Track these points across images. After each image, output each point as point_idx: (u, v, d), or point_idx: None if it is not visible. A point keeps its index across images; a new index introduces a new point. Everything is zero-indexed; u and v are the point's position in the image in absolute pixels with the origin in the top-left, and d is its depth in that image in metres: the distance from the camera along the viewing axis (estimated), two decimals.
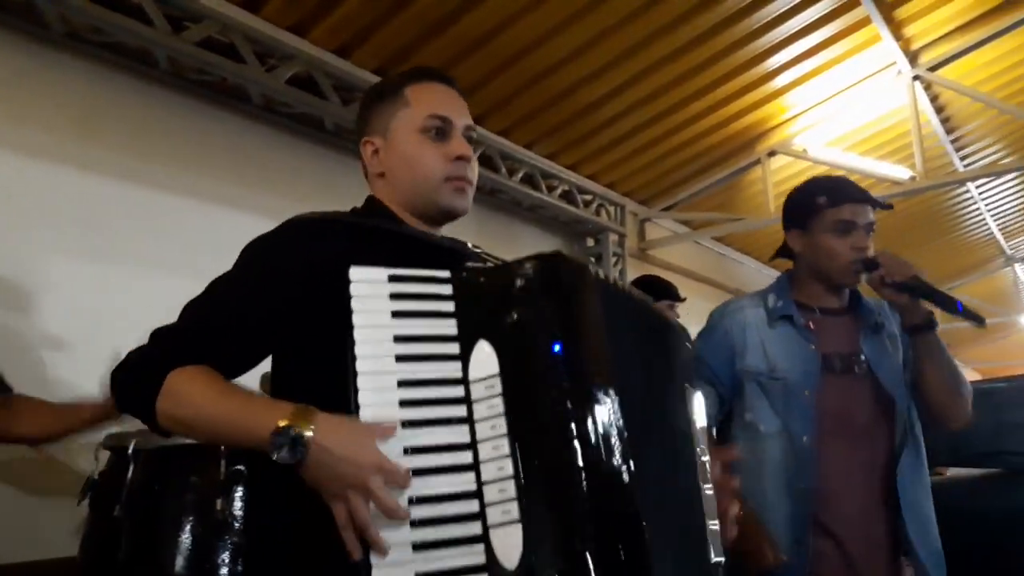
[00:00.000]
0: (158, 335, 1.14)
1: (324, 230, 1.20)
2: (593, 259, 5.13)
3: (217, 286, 1.18)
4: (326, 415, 0.98)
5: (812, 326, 1.94)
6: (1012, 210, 8.26)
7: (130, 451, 1.85)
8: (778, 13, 4.02)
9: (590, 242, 5.19)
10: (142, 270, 2.76)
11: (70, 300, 2.55)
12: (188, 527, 1.81)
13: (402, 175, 1.27)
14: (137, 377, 1.10)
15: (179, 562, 1.79)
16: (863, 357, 1.93)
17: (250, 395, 1.09)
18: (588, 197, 4.97)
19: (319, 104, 3.22)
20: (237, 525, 1.82)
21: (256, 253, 1.20)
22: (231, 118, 3.16)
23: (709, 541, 1.18)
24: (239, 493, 1.82)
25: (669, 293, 3.64)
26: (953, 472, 4.17)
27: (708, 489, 1.23)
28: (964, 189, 7.14)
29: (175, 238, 2.87)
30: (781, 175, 5.68)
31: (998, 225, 8.46)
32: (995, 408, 3.44)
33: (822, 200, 1.94)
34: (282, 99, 3.13)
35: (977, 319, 1.84)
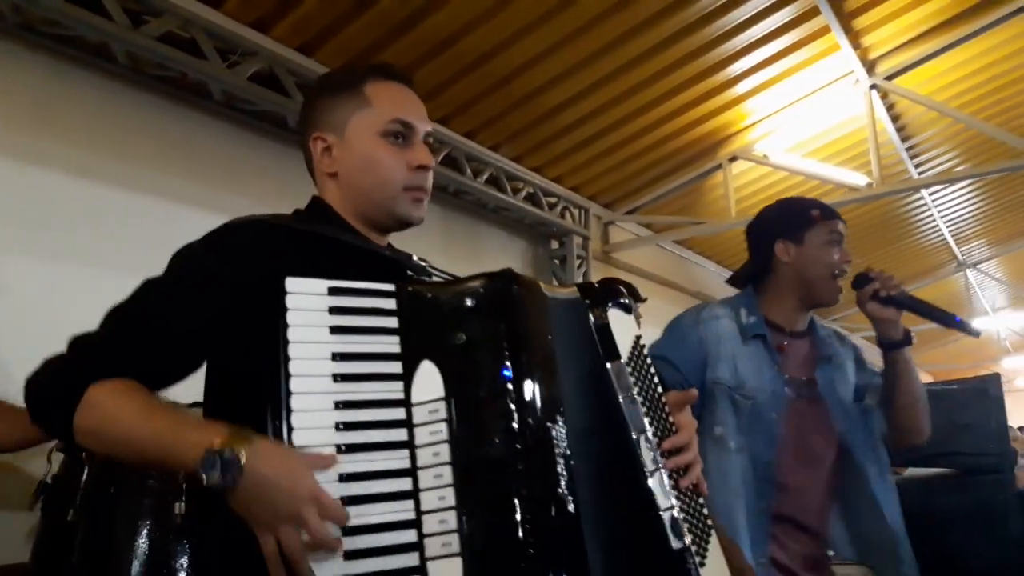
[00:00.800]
0: (78, 343, 1.05)
1: (260, 236, 1.13)
2: (557, 261, 5.15)
3: (143, 293, 1.10)
4: (263, 440, 0.91)
5: (781, 348, 1.94)
6: (964, 217, 8.48)
7: (84, 453, 1.80)
8: (740, 21, 4.08)
9: (554, 244, 5.20)
10: (98, 269, 2.70)
11: (23, 301, 2.48)
12: (145, 532, 1.76)
13: (358, 179, 1.20)
14: (54, 387, 1.02)
15: (135, 568, 1.74)
16: (817, 384, 1.95)
17: (180, 414, 1.00)
18: (553, 200, 4.99)
19: (282, 101, 3.18)
20: (196, 529, 1.79)
21: (186, 260, 1.13)
22: (191, 115, 3.11)
23: (668, 531, 1.08)
24: (197, 497, 1.78)
25: (633, 295, 3.65)
26: (909, 472, 4.26)
27: (661, 472, 1.11)
28: (918, 196, 7.30)
29: (133, 237, 2.81)
30: (742, 180, 5.77)
31: (951, 231, 8.67)
32: (947, 410, 3.53)
33: (816, 212, 1.97)
34: (244, 96, 3.08)
35: (972, 331, 1.91)
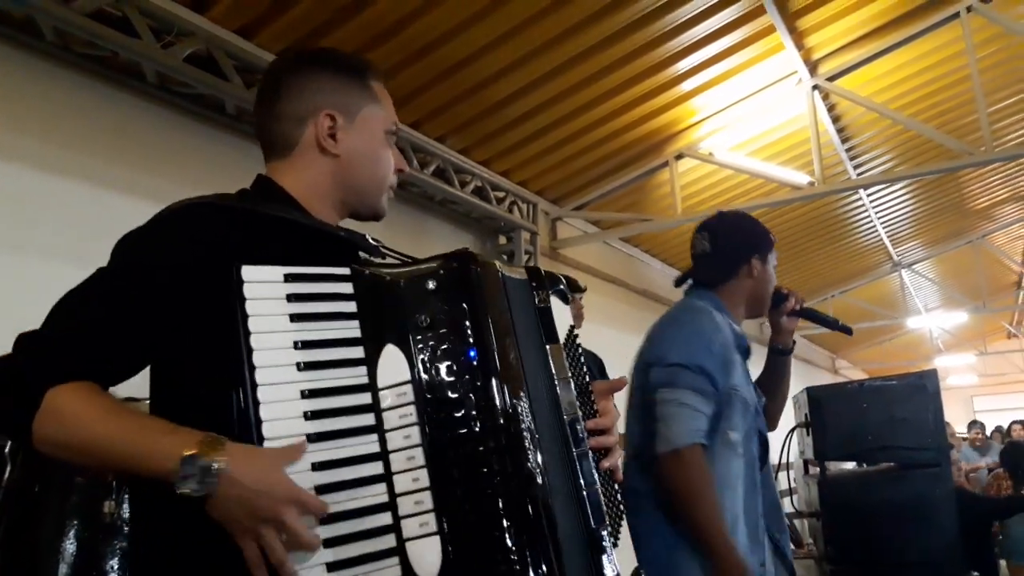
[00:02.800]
0: (26, 344, 0.99)
1: (207, 219, 1.07)
2: (505, 256, 5.10)
3: (89, 287, 1.05)
4: (236, 444, 0.90)
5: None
6: (900, 218, 8.73)
7: (7, 449, 1.71)
8: (686, 18, 4.10)
9: (502, 240, 5.17)
10: (22, 257, 2.56)
11: None
12: (72, 532, 1.68)
13: (358, 169, 1.20)
14: (9, 392, 0.97)
15: (63, 570, 1.66)
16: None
17: (147, 418, 0.98)
18: (501, 194, 4.94)
19: (220, 85, 3.06)
20: (127, 529, 1.70)
21: (130, 249, 1.07)
22: (123, 96, 2.97)
23: (590, 509, 1.11)
24: (129, 495, 1.69)
25: (572, 286, 3.67)
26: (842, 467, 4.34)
27: (588, 452, 1.16)
28: (856, 197, 7.49)
29: (59, 223, 2.67)
30: (688, 178, 5.82)
31: (887, 232, 8.92)
32: (886, 405, 3.60)
33: (773, 237, 2.16)
34: (180, 78, 2.96)
35: (846, 330, 2.35)
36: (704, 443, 1.80)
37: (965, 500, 4.83)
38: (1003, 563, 5.40)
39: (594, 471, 1.14)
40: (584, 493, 1.10)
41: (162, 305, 1.02)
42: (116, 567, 1.64)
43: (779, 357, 2.22)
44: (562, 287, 1.24)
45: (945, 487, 3.48)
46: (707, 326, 1.95)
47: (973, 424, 9.26)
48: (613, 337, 6.37)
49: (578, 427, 1.14)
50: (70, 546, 1.65)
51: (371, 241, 1.21)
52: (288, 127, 1.19)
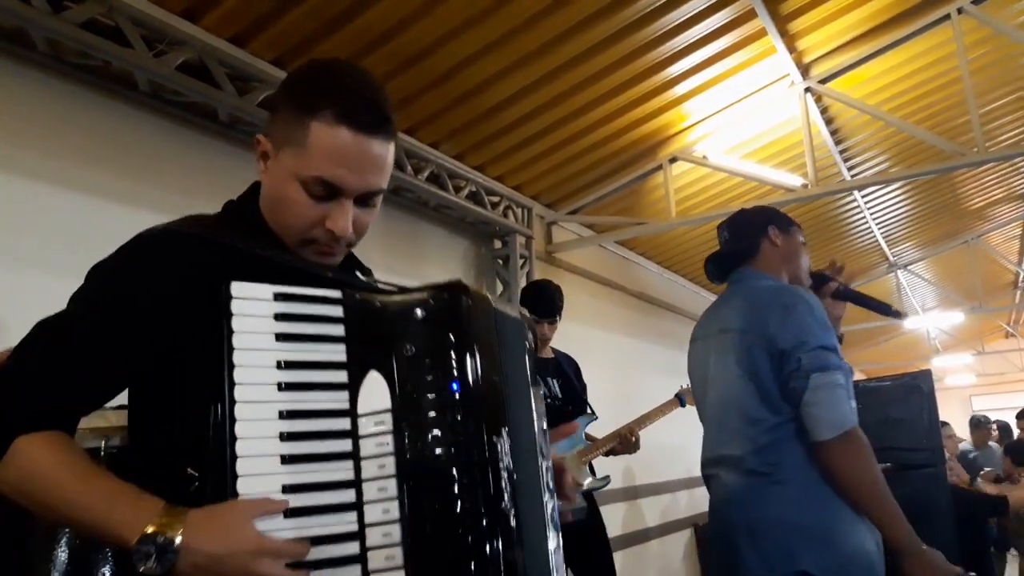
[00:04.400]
0: None
1: (184, 247, 1.05)
2: (500, 261, 5.11)
3: (63, 320, 1.02)
4: (199, 511, 0.89)
5: None
6: (895, 219, 8.75)
7: None
8: (678, 22, 4.11)
9: (497, 244, 5.17)
10: (14, 267, 2.56)
11: None
12: (64, 540, 1.68)
13: (272, 202, 1.12)
14: None
15: None
16: None
17: (115, 484, 0.95)
18: (495, 199, 4.95)
19: (213, 93, 3.07)
20: None
21: (103, 278, 1.05)
22: (115, 105, 2.97)
23: (549, 523, 1.14)
24: None
25: (557, 308, 3.66)
26: None
27: (549, 499, 1.18)
28: (851, 198, 7.50)
29: (48, 232, 2.67)
30: (682, 181, 5.83)
31: (882, 233, 8.93)
32: (881, 406, 3.61)
33: (794, 222, 2.24)
34: (172, 86, 2.96)
35: (897, 314, 2.30)
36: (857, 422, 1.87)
37: (959, 498, 4.84)
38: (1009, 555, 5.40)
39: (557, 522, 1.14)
40: (554, 545, 1.11)
41: (140, 335, 1.01)
42: (107, 574, 1.64)
43: None
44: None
45: (941, 487, 3.50)
46: (816, 305, 2.00)
47: (979, 423, 8.73)
48: (608, 340, 6.38)
49: (547, 475, 1.15)
50: (62, 554, 1.65)
51: (361, 278, 1.18)
52: None
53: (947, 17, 4.86)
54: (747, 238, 2.22)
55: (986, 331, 16.21)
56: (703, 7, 4.06)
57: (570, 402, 3.70)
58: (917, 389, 3.58)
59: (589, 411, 3.76)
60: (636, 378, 6.43)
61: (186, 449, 0.97)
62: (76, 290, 1.06)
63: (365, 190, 1.09)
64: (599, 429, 3.85)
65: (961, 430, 9.24)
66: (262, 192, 1.16)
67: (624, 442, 3.81)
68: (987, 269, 11.84)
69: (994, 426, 8.91)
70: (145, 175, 3.01)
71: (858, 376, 14.79)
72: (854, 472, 1.82)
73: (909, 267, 11.13)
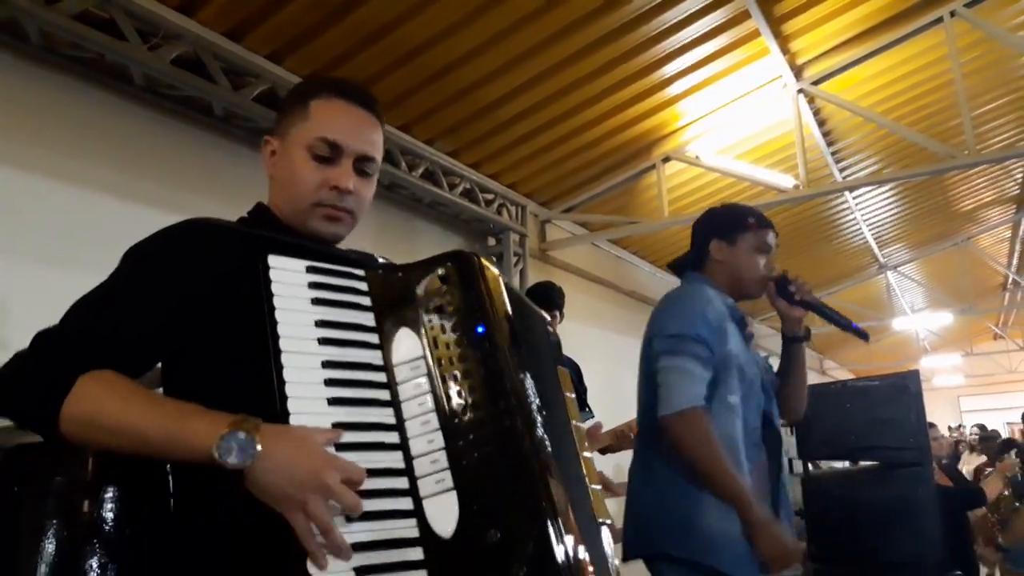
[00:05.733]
0: (50, 338, 1.03)
1: (218, 234, 1.14)
2: (494, 258, 5.12)
3: (107, 288, 1.08)
4: (269, 424, 0.93)
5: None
6: (886, 221, 8.79)
7: None
8: (672, 23, 4.13)
9: (491, 241, 5.18)
10: (10, 259, 2.55)
11: None
12: (52, 532, 1.68)
13: (283, 186, 1.23)
14: (37, 377, 0.99)
15: (42, 569, 1.66)
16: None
17: (181, 402, 0.99)
18: (490, 196, 4.96)
19: (208, 88, 3.07)
20: (107, 528, 1.70)
21: (145, 253, 1.12)
22: (109, 98, 2.96)
23: (591, 502, 1.23)
24: (109, 494, 1.70)
25: (555, 303, 3.70)
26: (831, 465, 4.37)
27: (586, 454, 1.29)
28: (842, 200, 7.54)
29: (46, 225, 2.67)
30: (675, 180, 5.85)
31: (873, 235, 8.98)
32: (869, 405, 3.63)
33: (752, 220, 2.18)
34: (167, 80, 2.96)
35: (863, 335, 2.20)
36: (704, 406, 1.91)
37: (942, 495, 4.86)
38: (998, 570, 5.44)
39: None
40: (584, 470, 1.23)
41: (178, 304, 1.06)
42: (95, 566, 1.64)
43: (791, 345, 2.22)
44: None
45: (927, 486, 3.52)
46: (699, 298, 2.07)
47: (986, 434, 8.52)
48: (601, 338, 6.40)
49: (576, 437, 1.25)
50: (49, 545, 1.65)
51: (379, 259, 1.27)
52: None
53: (940, 20, 4.89)
54: (695, 246, 2.24)
55: (975, 333, 16.31)
56: (697, 8, 4.07)
57: None
58: (905, 389, 3.59)
59: (588, 411, 3.77)
60: (628, 376, 6.41)
61: (228, 409, 0.99)
62: (116, 269, 1.12)
63: (362, 152, 1.21)
64: None
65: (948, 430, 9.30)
66: (273, 189, 1.26)
67: (622, 439, 3.83)
68: (977, 271, 11.91)
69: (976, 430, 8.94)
70: (139, 169, 3.01)
71: (847, 375, 14.86)
72: (691, 449, 1.89)
73: (899, 268, 11.19)
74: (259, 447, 0.90)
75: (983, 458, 7.65)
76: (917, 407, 3.55)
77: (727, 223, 2.20)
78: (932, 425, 5.84)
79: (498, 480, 0.98)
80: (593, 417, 3.77)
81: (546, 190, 5.63)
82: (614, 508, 1.46)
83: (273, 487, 0.90)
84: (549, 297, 3.68)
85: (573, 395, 1.34)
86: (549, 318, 1.43)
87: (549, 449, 1.04)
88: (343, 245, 1.28)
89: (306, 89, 1.24)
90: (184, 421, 0.94)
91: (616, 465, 6.15)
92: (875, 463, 3.58)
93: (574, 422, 1.29)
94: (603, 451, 3.90)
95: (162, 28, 2.92)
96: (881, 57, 5.16)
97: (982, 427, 10.04)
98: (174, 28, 2.98)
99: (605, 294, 6.65)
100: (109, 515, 1.68)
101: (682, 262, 2.30)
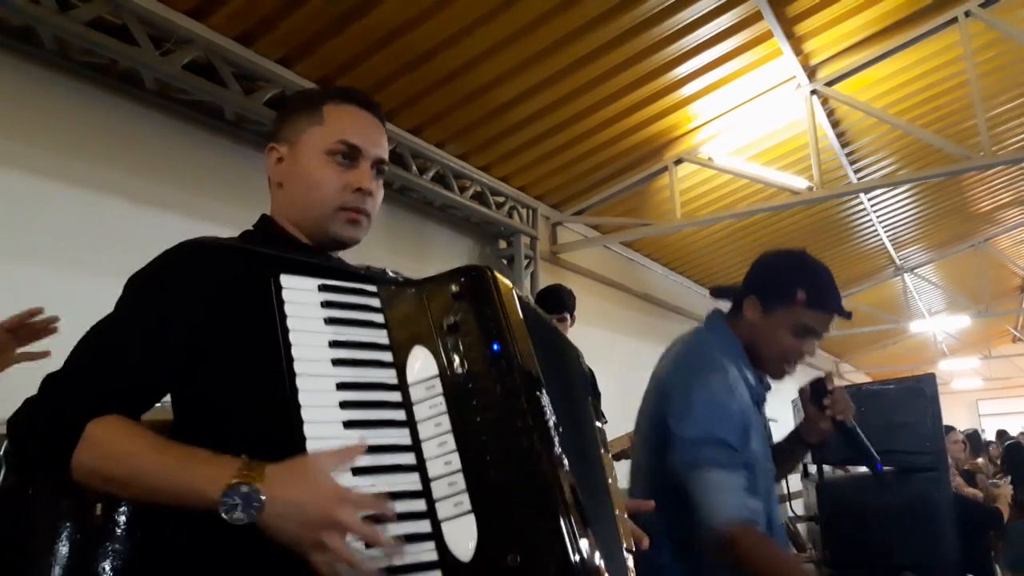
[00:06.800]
0: (57, 382, 1.03)
1: (222, 254, 1.12)
2: (505, 261, 5.12)
3: (111, 322, 1.08)
4: (276, 465, 0.92)
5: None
6: (902, 222, 8.72)
7: (1, 452, 1.72)
8: (684, 24, 4.12)
9: (502, 244, 5.18)
10: (21, 263, 2.57)
11: None
12: (65, 534, 1.69)
13: (298, 192, 1.21)
14: (48, 426, 0.99)
15: (56, 572, 1.67)
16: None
17: (188, 448, 0.99)
18: (500, 199, 4.96)
19: (219, 92, 3.08)
20: (119, 531, 1.71)
21: (146, 281, 1.11)
22: (122, 103, 2.99)
23: (620, 531, 1.21)
24: None
25: (565, 305, 3.67)
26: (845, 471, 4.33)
27: (612, 482, 1.27)
28: (858, 201, 7.48)
29: (58, 229, 2.69)
30: (687, 183, 5.83)
31: (889, 236, 8.91)
32: (885, 409, 3.60)
33: (801, 296, 1.79)
34: (178, 85, 2.98)
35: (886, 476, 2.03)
36: (750, 519, 1.65)
37: (963, 505, 4.82)
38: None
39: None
40: (611, 483, 1.22)
41: (186, 331, 1.05)
42: (108, 569, 1.65)
43: (796, 447, 1.97)
44: None
45: (943, 491, 3.48)
46: (718, 389, 1.75)
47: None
48: (614, 341, 6.38)
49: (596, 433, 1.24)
50: (63, 548, 1.66)
51: (391, 274, 1.24)
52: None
53: (954, 20, 4.85)
54: (739, 292, 1.91)
55: (993, 335, 16.14)
56: (709, 9, 4.06)
57: None
58: (921, 392, 3.55)
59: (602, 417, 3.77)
60: (640, 379, 6.39)
61: (243, 431, 1.01)
62: (120, 298, 1.11)
63: (377, 155, 1.23)
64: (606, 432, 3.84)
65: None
66: (281, 197, 1.25)
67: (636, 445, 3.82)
68: (995, 273, 11.79)
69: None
70: (151, 172, 3.03)
71: (864, 379, 14.74)
72: (751, 568, 1.63)
73: (916, 270, 11.09)
74: (263, 497, 0.89)
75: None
76: (933, 411, 3.51)
77: (772, 284, 1.84)
78: (950, 428, 5.80)
79: (517, 502, 0.96)
80: (607, 423, 3.76)
81: (557, 192, 5.62)
82: None
83: (286, 533, 0.90)
84: (559, 299, 3.67)
85: (602, 425, 1.32)
86: (565, 319, 1.41)
87: (567, 467, 1.02)
88: (354, 254, 1.28)
89: (314, 97, 1.25)
90: (191, 471, 0.94)
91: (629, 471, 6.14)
92: (891, 468, 3.54)
93: (603, 450, 1.27)
94: (618, 457, 3.89)
95: (174, 33, 2.95)
96: (895, 58, 5.12)
97: (1003, 433, 9.91)
98: (185, 33, 3.00)
99: (617, 297, 6.64)
100: (121, 519, 1.70)
101: (725, 292, 1.98)
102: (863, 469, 3.89)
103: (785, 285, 1.81)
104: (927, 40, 5.00)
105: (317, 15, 3.32)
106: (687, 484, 1.70)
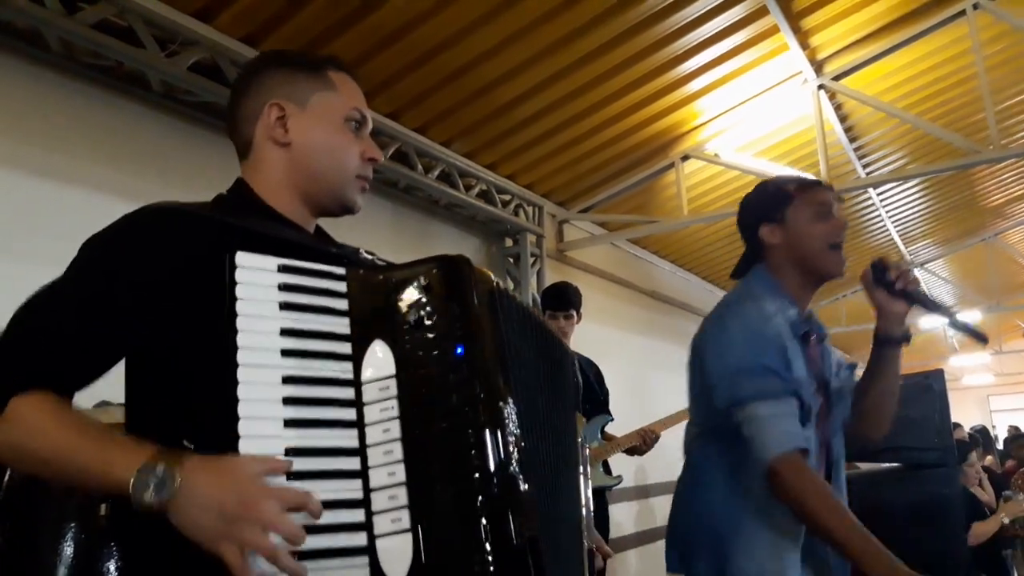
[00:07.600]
0: None
1: (186, 222, 1.06)
2: (511, 259, 5.12)
3: (56, 289, 1.03)
4: (199, 456, 0.87)
5: (809, 346, 1.84)
6: (911, 217, 8.67)
7: None
8: (690, 19, 4.10)
9: (508, 242, 5.17)
10: (26, 265, 2.59)
11: None
12: (70, 534, 1.70)
13: (314, 157, 1.17)
14: None
15: (61, 571, 1.68)
16: (829, 391, 1.87)
17: (110, 433, 0.94)
18: (506, 197, 4.95)
19: (225, 93, 3.08)
20: (124, 531, 1.72)
21: (100, 249, 1.06)
22: (128, 105, 3.00)
23: (584, 563, 1.16)
24: None
25: (571, 302, 3.65)
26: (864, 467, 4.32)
27: (584, 510, 1.21)
28: (866, 196, 7.44)
29: (64, 231, 2.69)
30: (694, 179, 5.81)
31: (898, 231, 8.85)
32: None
33: (793, 187, 1.88)
34: (184, 86, 2.99)
35: (982, 338, 1.84)
36: (803, 447, 1.63)
37: (974, 505, 4.80)
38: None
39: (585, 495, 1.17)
40: (582, 512, 1.13)
41: (135, 305, 1.00)
42: (112, 569, 1.66)
43: (884, 347, 1.86)
44: None
45: (953, 487, 3.47)
46: (753, 322, 1.75)
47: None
48: (621, 339, 6.37)
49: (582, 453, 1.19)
50: (68, 548, 1.67)
51: (364, 255, 1.19)
52: (245, 127, 1.21)
53: (963, 13, 4.81)
54: (746, 241, 1.94)
55: (1004, 330, 16.00)
56: (714, 4, 4.04)
57: (587, 401, 3.71)
58: (929, 388, 3.54)
59: (608, 414, 3.77)
60: (648, 377, 6.41)
61: (184, 420, 0.96)
62: (72, 261, 1.06)
63: (371, 125, 1.26)
64: (614, 428, 3.85)
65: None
66: (282, 160, 1.18)
67: (648, 440, 3.82)
68: (1005, 267, 11.70)
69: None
70: (158, 174, 3.05)
71: None
72: (799, 502, 1.61)
73: (926, 265, 11.03)
74: (178, 481, 0.84)
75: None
76: (942, 406, 3.49)
77: (768, 202, 1.88)
78: (957, 425, 5.76)
79: (459, 526, 0.89)
80: (612, 420, 3.76)
81: (563, 190, 5.61)
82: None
83: (197, 523, 0.84)
84: (566, 297, 3.66)
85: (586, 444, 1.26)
86: (572, 316, 1.36)
87: (524, 488, 0.94)
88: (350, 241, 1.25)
89: (309, 60, 1.22)
90: (106, 453, 0.89)
91: (639, 467, 6.13)
92: (898, 464, 3.53)
93: (581, 468, 1.21)
94: (630, 452, 3.88)
95: (179, 35, 2.95)
96: (903, 51, 5.08)
97: (1015, 428, 9.86)
98: (191, 35, 3.00)
99: (624, 294, 6.62)
100: (126, 519, 1.71)
101: (740, 267, 1.98)
102: (871, 465, 3.88)
103: (776, 192, 1.89)
104: (935, 33, 4.96)
105: (322, 15, 3.32)
106: (735, 421, 1.67)
